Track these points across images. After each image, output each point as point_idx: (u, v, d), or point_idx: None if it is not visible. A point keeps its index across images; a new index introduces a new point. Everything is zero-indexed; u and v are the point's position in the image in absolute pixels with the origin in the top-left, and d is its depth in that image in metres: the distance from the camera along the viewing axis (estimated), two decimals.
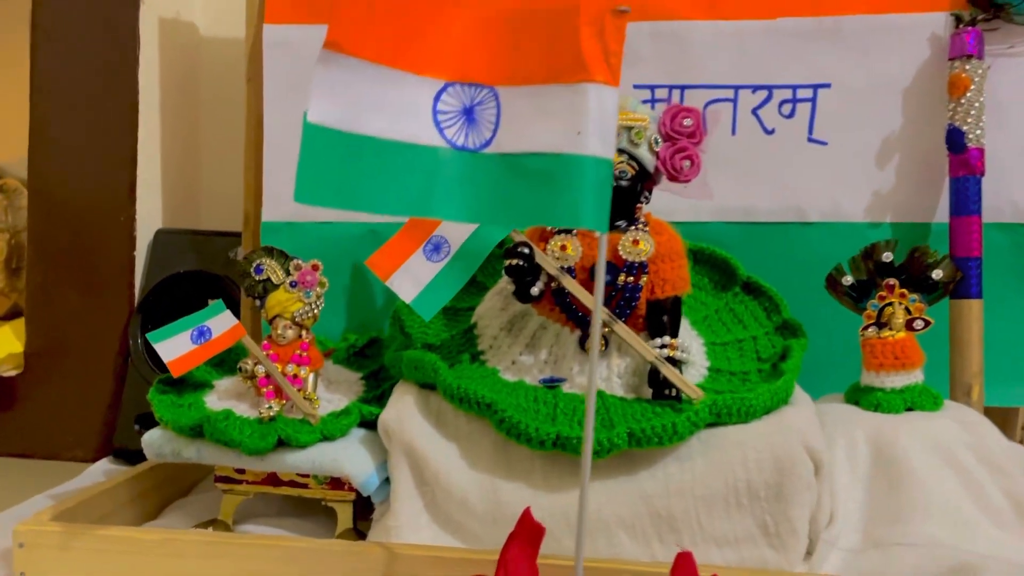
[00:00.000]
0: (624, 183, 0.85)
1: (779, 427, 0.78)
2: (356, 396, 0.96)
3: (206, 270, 1.27)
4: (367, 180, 0.55)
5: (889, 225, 1.06)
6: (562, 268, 0.84)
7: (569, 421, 0.80)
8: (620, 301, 0.84)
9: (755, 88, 1.07)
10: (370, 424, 0.89)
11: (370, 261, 0.87)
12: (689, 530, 0.77)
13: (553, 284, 0.85)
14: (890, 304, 0.89)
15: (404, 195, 0.56)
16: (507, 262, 0.83)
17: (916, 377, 0.89)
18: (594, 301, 0.80)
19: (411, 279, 0.86)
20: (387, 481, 0.85)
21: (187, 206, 1.41)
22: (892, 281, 0.89)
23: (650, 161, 0.86)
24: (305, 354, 0.92)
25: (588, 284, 0.84)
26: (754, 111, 1.07)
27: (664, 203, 0.91)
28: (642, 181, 0.86)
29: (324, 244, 1.13)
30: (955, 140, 0.99)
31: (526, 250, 0.83)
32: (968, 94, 0.98)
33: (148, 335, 0.89)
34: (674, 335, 0.85)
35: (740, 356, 0.94)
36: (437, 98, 0.57)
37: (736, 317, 0.99)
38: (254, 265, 0.93)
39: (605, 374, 0.87)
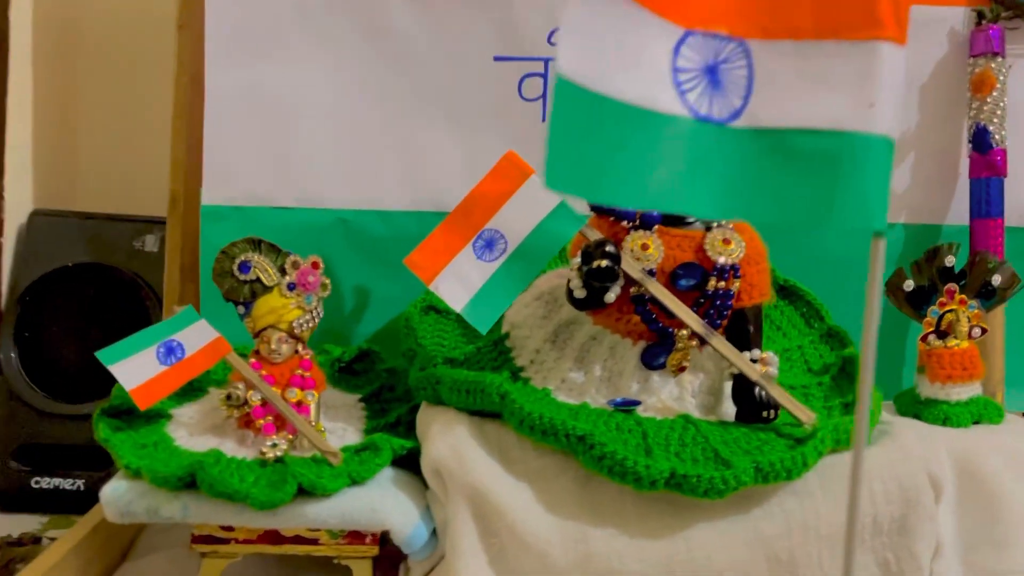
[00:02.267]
0: None
1: (900, 453, 0.70)
2: (361, 424, 0.78)
3: (105, 263, 1.02)
4: (616, 159, 0.40)
5: (902, 226, 1.02)
6: (645, 271, 0.71)
7: (667, 453, 0.67)
8: (709, 309, 0.72)
9: None
10: (397, 462, 0.72)
11: (409, 260, 0.70)
12: (811, 573, 0.67)
13: (633, 290, 0.72)
14: (951, 311, 0.84)
15: (647, 181, 0.41)
16: (594, 263, 0.68)
17: (978, 389, 0.84)
18: (687, 311, 0.69)
19: (460, 282, 0.70)
20: (433, 533, 0.69)
21: (69, 182, 1.13)
22: (953, 287, 0.84)
23: None
24: (308, 374, 0.73)
25: (672, 290, 0.71)
26: None
27: None
28: None
29: (281, 235, 0.90)
30: (981, 140, 0.96)
31: (613, 249, 0.69)
32: (994, 93, 0.95)
33: (99, 354, 0.66)
34: (762, 348, 0.74)
35: (790, 368, 0.85)
36: (676, 51, 0.43)
37: (774, 324, 0.90)
38: (238, 262, 0.73)
39: (676, 393, 0.75)
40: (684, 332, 0.72)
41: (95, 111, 1.17)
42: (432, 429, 0.70)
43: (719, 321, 0.72)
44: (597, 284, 0.70)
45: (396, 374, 0.83)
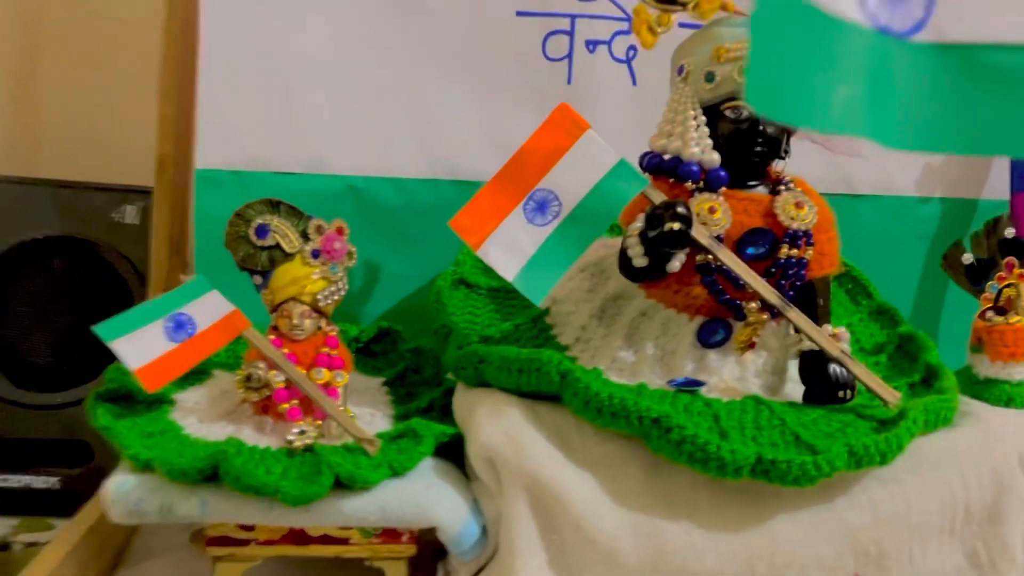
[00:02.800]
0: (771, 129, 0.67)
1: (989, 435, 0.65)
2: (389, 410, 0.70)
3: (78, 236, 0.91)
4: (801, 73, 0.33)
5: (938, 200, 0.97)
6: (713, 237, 0.64)
7: (743, 437, 0.61)
8: (781, 280, 0.66)
9: None
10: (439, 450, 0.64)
11: (455, 222, 0.62)
12: (899, 568, 0.61)
13: (699, 258, 0.65)
14: (1010, 285, 0.79)
15: (829, 100, 0.34)
16: (666, 226, 0.61)
17: None
18: (761, 281, 0.62)
19: (510, 248, 0.62)
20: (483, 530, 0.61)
21: (32, 145, 1.02)
22: (1012, 260, 0.79)
23: None
24: (335, 353, 0.64)
25: (747, 263, 0.65)
26: None
27: None
28: (786, 129, 0.69)
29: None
30: None
31: (685, 210, 0.62)
32: None
33: (97, 328, 0.57)
34: (832, 322, 0.68)
35: None
36: None
37: None
38: (255, 225, 0.64)
39: (738, 372, 0.69)
40: (754, 305, 0.65)
41: (64, 59, 1.04)
42: (479, 413, 0.62)
43: (790, 293, 0.66)
44: (667, 250, 0.63)
45: (421, 354, 0.75)
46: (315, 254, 0.65)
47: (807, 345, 0.66)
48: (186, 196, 0.84)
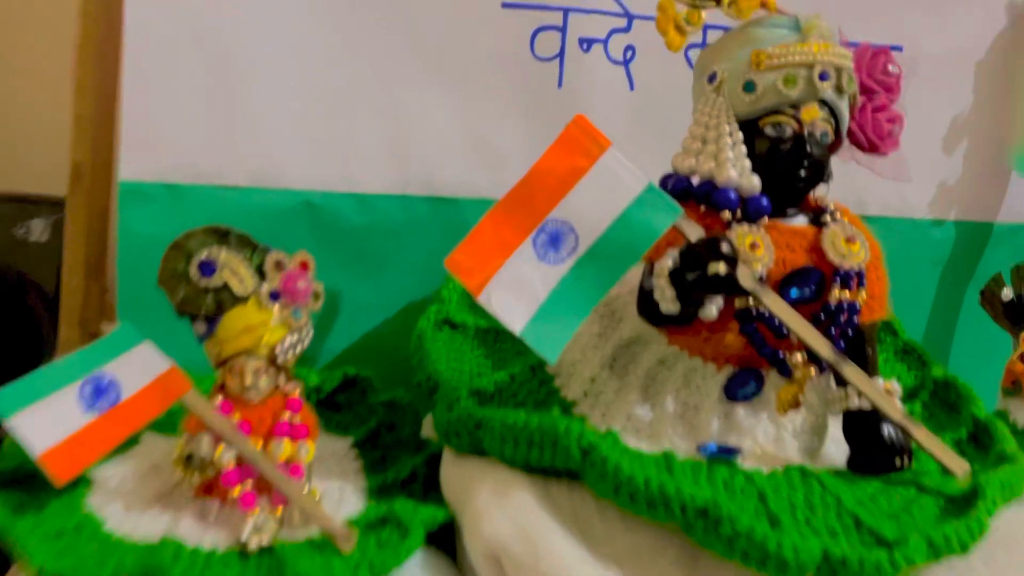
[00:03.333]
0: (817, 150, 0.57)
1: None
2: (361, 480, 0.58)
3: None
4: None
5: (953, 224, 0.90)
6: (757, 278, 0.54)
7: (796, 522, 0.51)
8: (830, 328, 0.56)
9: None
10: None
11: (451, 260, 0.50)
12: None
13: (739, 302, 0.55)
14: None
15: None
16: (710, 269, 0.51)
17: None
18: (813, 332, 0.53)
19: (518, 293, 0.51)
20: None
21: None
22: None
23: (846, 121, 0.59)
24: (298, 418, 0.52)
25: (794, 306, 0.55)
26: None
27: None
28: (831, 150, 0.59)
29: (229, 223, 0.70)
30: None
31: (730, 250, 0.51)
32: None
33: None
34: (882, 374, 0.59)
35: None
36: None
37: None
38: (198, 261, 0.51)
39: (773, 433, 0.59)
40: (799, 358, 0.55)
41: None
42: (479, 496, 0.51)
43: (842, 343, 0.56)
44: (704, 294, 0.52)
45: (397, 409, 0.63)
46: (274, 296, 0.52)
47: (855, 402, 0.57)
48: (107, 211, 0.70)
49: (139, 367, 0.48)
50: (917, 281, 0.90)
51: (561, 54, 0.77)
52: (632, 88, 0.80)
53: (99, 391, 0.47)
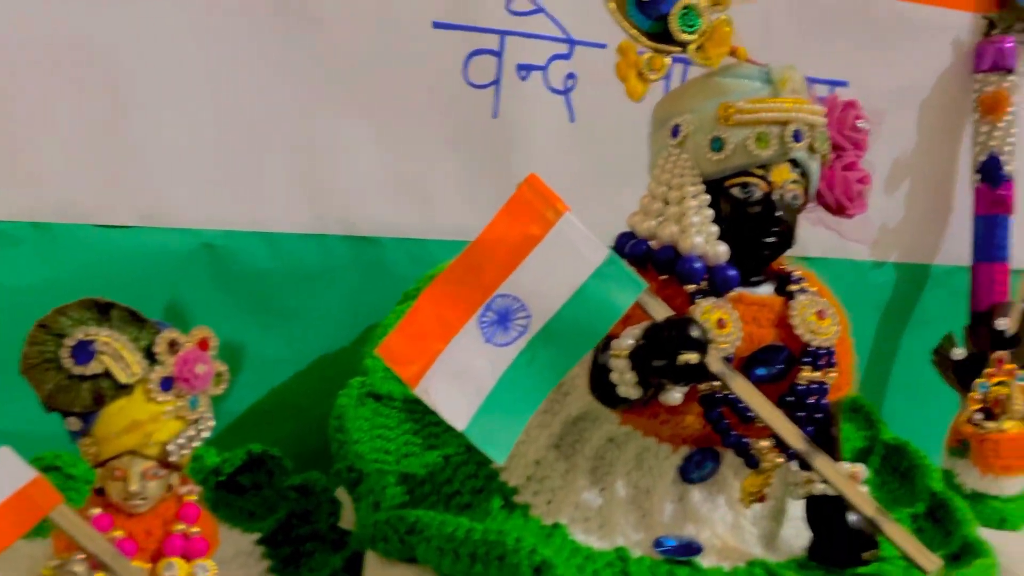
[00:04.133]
0: (787, 215, 0.52)
1: None
2: None
3: None
4: None
5: (892, 266, 0.88)
6: (725, 359, 0.49)
7: None
8: (799, 411, 0.51)
9: None
10: None
11: (383, 348, 0.43)
12: None
13: (703, 387, 0.49)
14: (1001, 383, 0.69)
15: None
16: (681, 358, 0.45)
17: None
18: (784, 420, 0.48)
19: (461, 382, 0.44)
20: None
21: None
22: (1002, 355, 0.69)
23: (816, 181, 0.54)
24: (194, 530, 0.44)
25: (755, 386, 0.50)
26: None
27: None
28: (798, 213, 0.54)
29: (116, 267, 0.61)
30: (992, 171, 0.83)
31: (701, 334, 0.45)
32: (1008, 116, 0.82)
33: None
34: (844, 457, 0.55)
35: None
36: None
37: None
38: (70, 343, 0.42)
39: (731, 519, 0.54)
40: (765, 444, 0.50)
41: None
42: None
43: (810, 428, 0.51)
44: (680, 384, 0.46)
45: (311, 495, 0.55)
46: (166, 384, 0.43)
47: (819, 488, 0.52)
48: None
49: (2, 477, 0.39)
50: (856, 324, 0.87)
51: (497, 81, 0.70)
52: (572, 119, 0.74)
53: None
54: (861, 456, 0.69)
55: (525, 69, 0.71)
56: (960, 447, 0.71)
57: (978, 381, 0.70)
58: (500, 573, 0.44)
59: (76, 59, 0.59)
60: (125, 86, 0.61)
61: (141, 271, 0.61)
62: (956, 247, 0.88)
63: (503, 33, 0.70)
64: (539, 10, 0.70)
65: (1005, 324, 0.69)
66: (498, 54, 0.70)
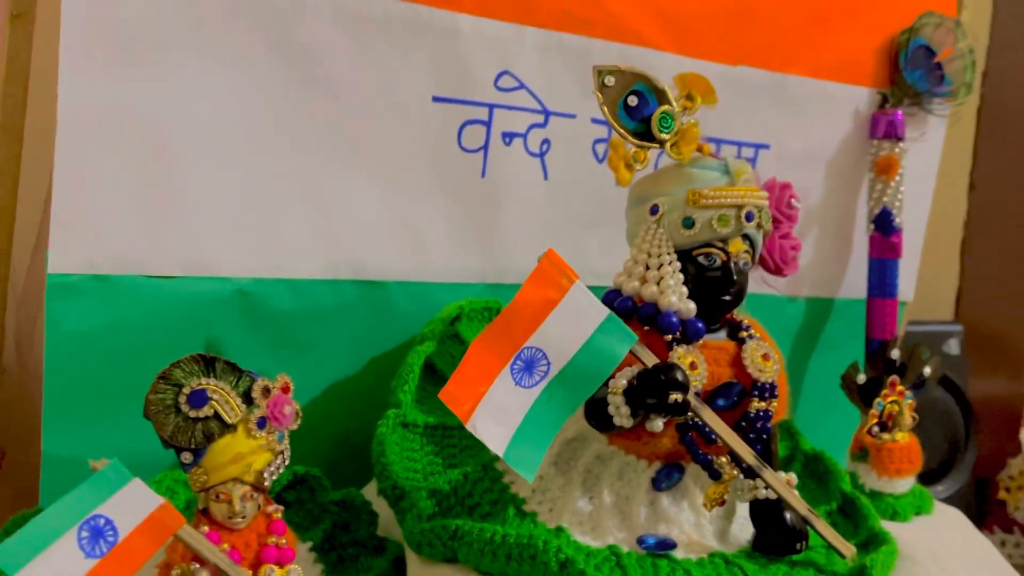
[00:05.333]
0: (741, 278, 0.66)
1: None
2: None
3: None
4: None
5: (804, 300, 1.03)
6: (696, 394, 0.62)
7: None
8: (750, 433, 0.64)
9: (707, 141, 0.93)
10: None
11: (445, 393, 0.54)
12: None
13: (679, 417, 0.62)
14: (894, 402, 0.85)
15: None
16: (671, 397, 0.57)
17: (914, 479, 0.86)
18: (740, 442, 0.61)
19: (498, 417, 0.55)
20: None
21: None
22: (895, 378, 0.85)
23: (760, 249, 0.68)
24: (283, 541, 0.54)
25: (716, 414, 0.63)
26: None
27: None
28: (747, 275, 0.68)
29: (160, 313, 0.69)
30: (885, 222, 0.99)
31: (684, 378, 0.58)
32: (897, 176, 0.99)
33: None
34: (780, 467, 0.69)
35: None
36: None
37: None
38: (188, 391, 0.51)
39: (693, 519, 0.67)
40: (724, 460, 0.64)
41: None
42: None
43: (759, 447, 0.65)
44: (663, 417, 0.59)
45: (350, 508, 0.65)
46: (261, 423, 0.53)
47: (763, 493, 0.66)
48: (33, 304, 0.66)
49: (132, 506, 0.48)
50: None
51: (486, 146, 0.81)
52: (546, 177, 0.85)
53: (96, 534, 0.46)
54: (785, 462, 0.83)
55: (509, 136, 0.82)
56: (861, 453, 0.87)
57: (876, 400, 0.85)
58: (532, 569, 0.55)
59: (126, 128, 0.66)
60: (168, 151, 0.68)
61: (184, 315, 0.70)
62: (855, 283, 1.04)
63: (491, 106, 0.80)
64: (521, 86, 0.82)
65: (896, 355, 0.85)
66: (487, 124, 0.81)
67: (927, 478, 1.09)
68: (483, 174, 0.82)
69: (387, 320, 0.79)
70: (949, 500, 1.18)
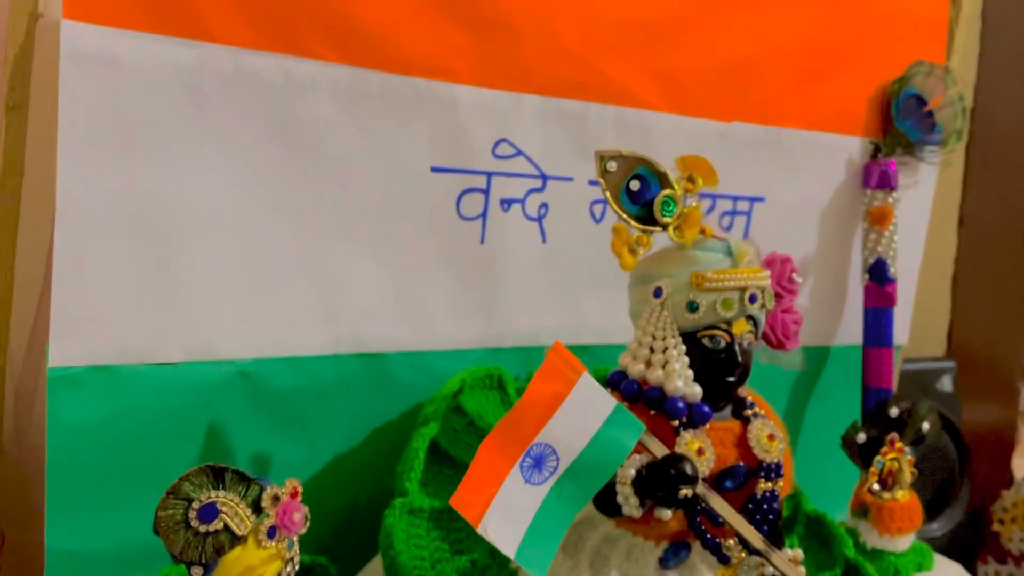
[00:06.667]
0: (745, 357, 0.66)
1: None
2: None
3: None
4: None
5: (801, 348, 1.03)
6: (703, 479, 0.62)
7: None
8: (757, 515, 0.65)
9: (702, 196, 0.93)
10: None
11: (456, 499, 0.54)
12: None
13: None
14: (894, 459, 0.85)
15: None
16: (681, 492, 0.58)
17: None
18: (747, 526, 0.61)
19: (510, 518, 0.55)
20: None
21: None
22: (894, 435, 0.85)
23: (763, 327, 0.68)
24: None
25: (723, 495, 0.63)
26: None
27: None
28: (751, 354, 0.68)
29: (163, 400, 0.68)
30: (880, 272, 0.99)
31: (694, 471, 0.58)
32: (891, 226, 0.99)
33: None
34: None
35: None
36: None
37: None
38: (198, 506, 0.51)
39: None
40: (732, 542, 0.64)
41: None
42: None
43: (766, 528, 0.65)
44: (673, 510, 0.59)
45: None
46: (271, 532, 0.53)
47: (769, 571, 0.66)
48: (34, 401, 0.66)
49: None
50: (770, 398, 1.02)
51: (484, 213, 0.81)
52: (544, 240, 0.85)
53: None
54: (787, 523, 0.84)
55: (507, 203, 0.82)
56: (861, 511, 0.87)
57: (876, 458, 0.86)
58: None
59: (125, 216, 0.65)
60: (168, 236, 0.67)
61: (187, 401, 0.69)
62: (850, 330, 1.04)
63: (489, 174, 0.80)
64: (519, 153, 0.81)
65: (895, 412, 0.86)
66: (485, 191, 0.81)
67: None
68: (482, 241, 0.82)
69: (389, 392, 0.79)
70: (945, 537, 1.20)
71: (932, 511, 1.21)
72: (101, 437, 0.66)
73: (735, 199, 0.96)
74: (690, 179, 0.64)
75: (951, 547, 1.13)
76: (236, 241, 0.70)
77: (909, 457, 0.86)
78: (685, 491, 0.58)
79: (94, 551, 0.65)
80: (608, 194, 0.62)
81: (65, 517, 0.65)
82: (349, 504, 0.78)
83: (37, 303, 0.67)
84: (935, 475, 1.20)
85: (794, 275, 0.71)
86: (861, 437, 0.85)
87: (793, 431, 1.06)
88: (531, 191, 0.84)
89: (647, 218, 0.63)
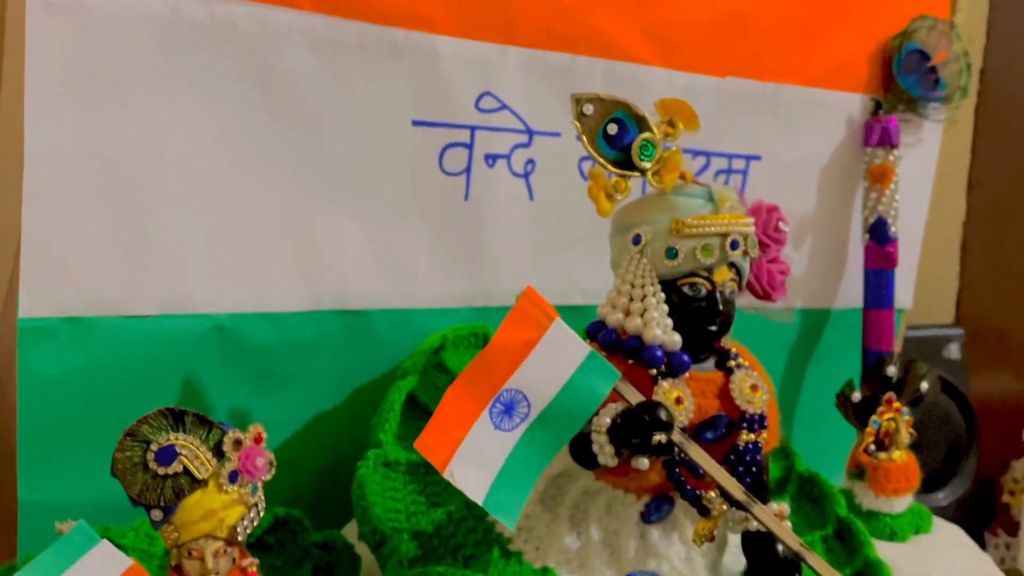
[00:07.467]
0: (727, 306, 0.64)
1: None
2: None
3: None
4: None
5: (800, 310, 1.01)
6: (681, 429, 0.60)
7: None
8: (739, 467, 0.63)
9: (696, 153, 0.92)
10: None
11: (420, 442, 0.52)
12: None
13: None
14: (891, 419, 0.83)
15: None
16: (654, 438, 0.56)
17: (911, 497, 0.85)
18: (727, 477, 0.60)
19: (477, 463, 0.54)
20: None
21: None
22: (891, 395, 0.83)
23: (747, 276, 0.66)
24: None
25: (704, 447, 0.61)
26: None
27: None
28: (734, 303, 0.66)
29: (136, 352, 0.68)
30: (880, 231, 0.97)
31: (668, 416, 0.57)
32: (892, 185, 0.97)
33: None
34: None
35: None
36: None
37: None
38: (156, 448, 0.50)
39: (684, 553, 0.66)
40: (713, 495, 0.62)
41: None
42: None
43: (748, 480, 0.63)
44: (648, 457, 0.58)
45: (332, 551, 0.64)
46: (233, 477, 0.52)
47: (754, 524, 0.64)
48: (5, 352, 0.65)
49: (100, 568, 0.47)
50: (768, 361, 1.00)
51: (468, 169, 0.80)
52: (532, 198, 0.84)
53: None
54: (779, 484, 0.82)
55: (492, 158, 0.80)
56: (857, 472, 0.85)
57: (872, 418, 0.84)
58: None
59: (96, 167, 0.64)
60: (141, 188, 0.66)
61: (161, 354, 0.68)
62: (850, 292, 1.02)
63: (473, 128, 0.79)
64: (503, 107, 0.80)
65: (893, 372, 0.83)
66: (469, 146, 0.79)
67: (929, 485, 1.08)
68: (466, 197, 0.80)
69: (371, 350, 0.78)
70: (952, 506, 1.17)
71: (938, 481, 1.18)
72: (74, 389, 0.65)
73: (730, 157, 0.94)
74: (670, 123, 0.62)
75: (959, 518, 1.11)
76: (210, 194, 0.69)
77: (907, 417, 0.84)
78: (659, 437, 0.56)
79: (67, 503, 0.64)
80: (584, 138, 0.61)
81: (38, 469, 0.64)
82: (331, 462, 0.77)
83: (14, 256, 0.66)
84: (941, 444, 1.18)
85: (780, 224, 0.69)
86: (856, 396, 0.83)
87: (792, 396, 1.04)
88: (517, 146, 0.82)
89: (625, 163, 0.61)
